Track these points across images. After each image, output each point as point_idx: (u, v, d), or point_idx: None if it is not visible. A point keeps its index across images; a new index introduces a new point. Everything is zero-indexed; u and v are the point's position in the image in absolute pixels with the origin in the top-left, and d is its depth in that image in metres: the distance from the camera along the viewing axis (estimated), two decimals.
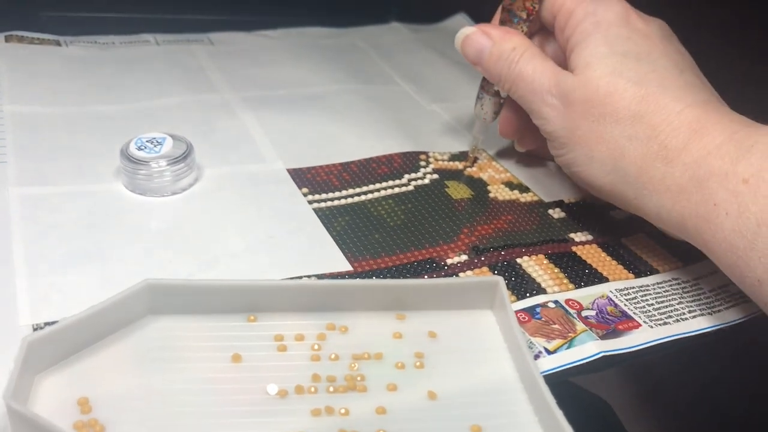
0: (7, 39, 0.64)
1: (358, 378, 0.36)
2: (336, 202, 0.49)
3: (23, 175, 0.48)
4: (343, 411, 0.34)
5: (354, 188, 0.51)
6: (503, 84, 0.49)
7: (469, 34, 0.49)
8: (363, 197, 0.50)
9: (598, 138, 0.43)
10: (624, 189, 0.43)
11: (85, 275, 0.41)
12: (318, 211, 0.48)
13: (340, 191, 0.51)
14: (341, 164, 0.54)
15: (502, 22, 0.50)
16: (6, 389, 0.30)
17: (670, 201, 0.41)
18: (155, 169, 0.47)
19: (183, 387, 0.34)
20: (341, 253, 0.45)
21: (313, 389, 0.35)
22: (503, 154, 0.57)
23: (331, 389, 0.35)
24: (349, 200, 0.50)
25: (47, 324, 0.37)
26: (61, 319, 0.35)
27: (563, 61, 0.47)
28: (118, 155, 0.48)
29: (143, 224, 0.45)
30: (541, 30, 0.52)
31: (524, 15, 0.49)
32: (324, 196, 0.50)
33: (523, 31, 0.50)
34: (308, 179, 0.51)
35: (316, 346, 0.37)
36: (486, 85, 0.52)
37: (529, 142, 0.54)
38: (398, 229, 0.48)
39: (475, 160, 0.55)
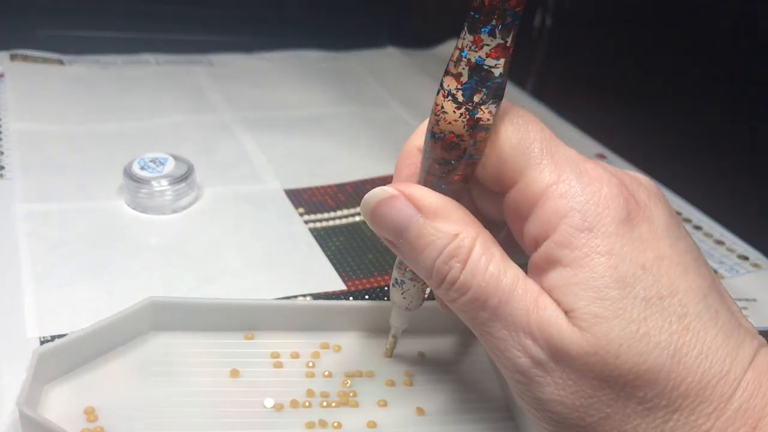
0: (12, 58, 0.66)
1: (351, 394, 0.38)
2: (331, 222, 0.51)
3: (29, 191, 0.50)
4: (336, 424, 0.36)
5: (349, 209, 0.53)
6: (442, 292, 0.30)
7: (387, 199, 0.31)
8: (357, 218, 0.52)
9: (616, 429, 0.28)
10: None
11: (90, 290, 0.42)
12: (314, 231, 0.50)
13: (335, 211, 0.53)
14: (336, 185, 0.56)
15: (427, 180, 0.31)
16: (19, 397, 0.32)
17: None
18: (157, 188, 0.49)
19: (184, 399, 0.36)
20: (335, 272, 0.47)
21: (307, 404, 0.37)
22: None
23: (325, 404, 0.37)
24: (344, 221, 0.52)
25: (54, 337, 0.39)
26: (67, 332, 0.37)
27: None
28: (120, 173, 0.50)
29: (144, 241, 0.47)
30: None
31: (454, 180, 0.31)
32: (319, 216, 0.52)
33: (456, 195, 0.31)
34: (304, 199, 0.53)
35: (310, 364, 0.39)
36: (403, 266, 0.36)
37: None
38: (391, 250, 0.49)
39: (391, 351, 0.41)
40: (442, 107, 0.29)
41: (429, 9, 0.93)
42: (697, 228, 0.57)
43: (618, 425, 0.28)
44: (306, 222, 0.51)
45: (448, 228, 0.30)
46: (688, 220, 0.57)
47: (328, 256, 0.48)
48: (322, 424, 0.36)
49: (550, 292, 0.28)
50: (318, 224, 0.51)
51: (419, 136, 0.33)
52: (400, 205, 0.30)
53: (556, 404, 0.28)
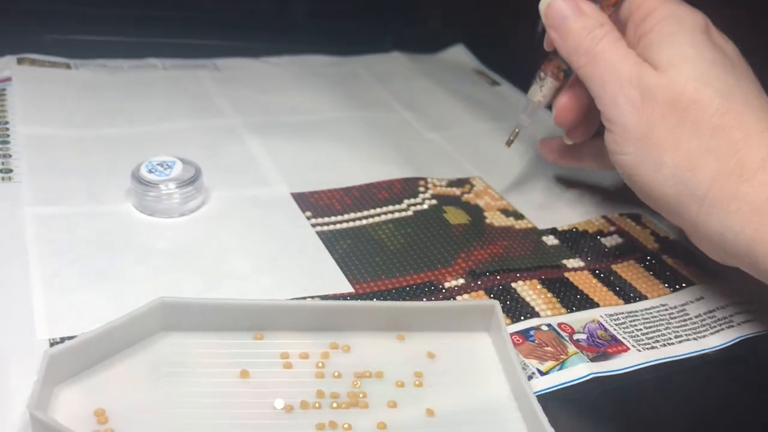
0: (20, 61, 0.66)
1: (360, 395, 0.38)
2: (338, 226, 0.51)
3: (37, 194, 0.50)
4: (346, 426, 0.36)
5: (355, 212, 0.53)
6: (580, 58, 0.45)
7: (558, 0, 0.47)
8: (364, 221, 0.52)
9: (673, 144, 0.41)
10: (689, 203, 0.42)
11: (98, 293, 0.42)
12: (321, 234, 0.50)
13: (342, 215, 0.53)
14: (343, 189, 0.56)
15: None
16: (30, 399, 0.32)
17: (740, 222, 0.39)
18: (164, 191, 0.49)
19: (194, 401, 0.36)
20: (343, 275, 0.47)
21: (317, 405, 0.37)
22: (499, 181, 0.59)
23: (335, 405, 0.37)
24: (351, 224, 0.52)
25: (63, 339, 0.39)
26: (76, 335, 0.37)
27: None
28: (127, 177, 0.50)
29: (152, 244, 0.47)
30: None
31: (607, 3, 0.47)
32: (327, 219, 0.52)
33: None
34: (311, 203, 0.53)
35: (320, 364, 0.39)
36: (549, 65, 0.50)
37: (582, 134, 0.52)
38: (398, 252, 0.49)
39: (511, 142, 0.54)
40: None
41: (432, 14, 0.94)
42: None
43: (672, 142, 0.41)
44: (313, 225, 0.51)
45: (595, 20, 0.45)
46: None
47: (336, 260, 0.48)
48: (333, 425, 0.36)
49: (645, 53, 0.44)
50: (325, 228, 0.51)
51: None
52: (565, 3, 0.46)
53: (634, 126, 0.43)
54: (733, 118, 0.40)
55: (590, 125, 0.51)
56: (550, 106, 0.51)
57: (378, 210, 0.54)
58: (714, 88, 0.41)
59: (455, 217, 0.54)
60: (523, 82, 0.79)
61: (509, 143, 0.54)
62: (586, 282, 0.49)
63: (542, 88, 0.50)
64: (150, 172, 0.50)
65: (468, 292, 0.46)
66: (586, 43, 0.45)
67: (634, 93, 0.43)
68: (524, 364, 0.41)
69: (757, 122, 0.40)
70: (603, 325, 0.45)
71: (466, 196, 0.57)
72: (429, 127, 0.67)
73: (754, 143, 0.39)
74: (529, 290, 0.47)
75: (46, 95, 0.62)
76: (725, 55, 0.43)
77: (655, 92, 0.42)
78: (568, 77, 0.50)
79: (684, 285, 0.49)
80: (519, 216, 0.55)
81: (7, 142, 0.55)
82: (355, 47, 0.82)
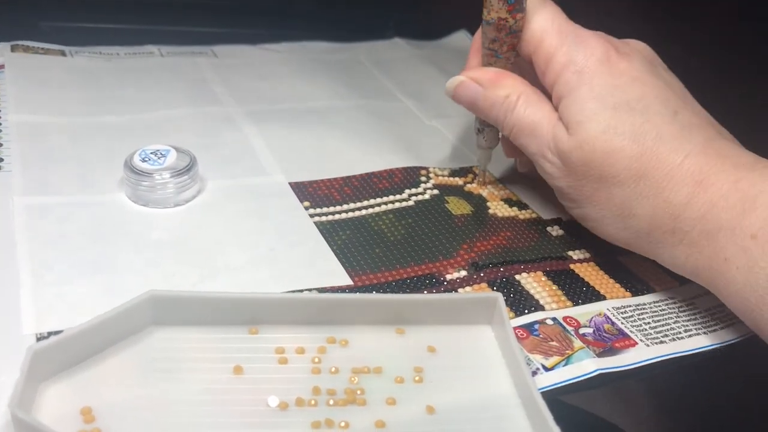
0: (13, 48, 0.65)
1: (358, 391, 0.36)
2: (337, 216, 0.50)
3: (28, 184, 0.48)
4: (343, 424, 0.34)
5: (355, 202, 0.52)
6: (503, 129, 0.48)
7: (460, 84, 0.49)
8: (364, 212, 0.51)
9: (605, 198, 0.43)
10: (639, 243, 0.44)
11: (89, 285, 0.41)
12: (319, 225, 0.49)
13: (341, 205, 0.51)
14: (342, 178, 0.54)
15: (487, 63, 0.49)
16: (12, 398, 0.30)
17: (683, 254, 0.41)
18: (158, 180, 0.48)
19: (185, 398, 0.34)
20: (342, 267, 0.45)
21: (313, 402, 0.35)
22: (503, 171, 0.58)
23: (331, 402, 0.35)
24: (350, 214, 0.50)
25: (51, 333, 0.37)
26: (64, 329, 0.36)
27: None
28: (121, 166, 0.49)
29: (146, 235, 0.46)
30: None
31: (505, 50, 0.48)
32: (325, 209, 0.50)
33: (509, 63, 0.49)
34: (310, 193, 0.52)
35: (316, 359, 0.38)
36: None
37: (530, 164, 0.52)
38: (398, 243, 0.48)
39: (485, 182, 0.56)
40: (490, 2, 0.46)
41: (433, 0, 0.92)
42: None
43: (604, 196, 0.43)
44: (312, 216, 0.50)
45: (500, 92, 0.47)
46: None
47: (334, 251, 0.47)
48: (329, 423, 0.34)
49: (558, 107, 0.44)
50: (324, 218, 0.50)
51: (478, 37, 0.50)
52: (468, 85, 0.48)
53: (564, 187, 0.45)
54: (648, 159, 0.41)
55: None
56: None
57: (378, 200, 0.52)
58: (622, 135, 0.42)
59: (457, 207, 0.53)
60: None
61: (481, 184, 0.56)
62: (592, 274, 0.47)
63: (485, 138, 0.52)
64: (143, 161, 0.48)
65: (470, 285, 0.45)
66: (501, 116, 0.47)
67: (554, 159, 0.45)
68: (528, 359, 0.40)
69: (674, 155, 0.41)
70: (610, 319, 0.44)
71: (468, 185, 0.55)
72: (431, 115, 0.66)
73: (677, 180, 0.40)
74: (533, 282, 0.46)
75: (40, 83, 0.61)
76: (630, 87, 0.43)
77: (571, 156, 0.43)
78: None
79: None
80: (523, 206, 0.54)
81: None
82: (356, 34, 0.81)
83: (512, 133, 0.47)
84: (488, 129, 0.51)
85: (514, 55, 0.48)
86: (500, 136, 0.52)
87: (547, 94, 0.47)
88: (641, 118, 0.42)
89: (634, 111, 0.42)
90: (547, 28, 0.45)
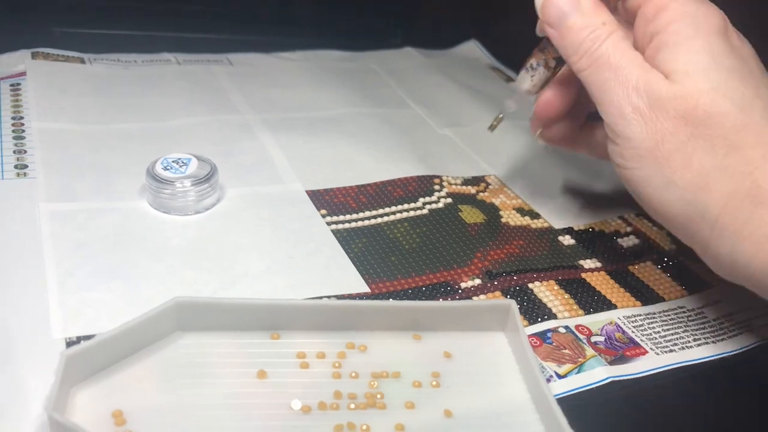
0: (34, 56, 0.66)
1: (378, 396, 0.37)
2: (353, 224, 0.51)
3: (52, 191, 0.50)
4: (364, 427, 0.35)
5: (370, 210, 0.53)
6: (581, 61, 0.42)
7: None
8: (379, 219, 0.52)
9: (684, 162, 0.38)
10: (699, 225, 0.39)
11: (113, 292, 0.42)
12: (336, 233, 0.50)
13: (357, 213, 0.52)
14: (357, 186, 0.55)
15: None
16: (47, 401, 0.32)
17: (752, 248, 0.37)
18: (179, 189, 0.49)
19: (212, 402, 0.35)
20: (359, 274, 0.46)
21: (335, 405, 0.36)
22: (514, 180, 0.59)
23: (352, 406, 0.37)
24: (366, 222, 0.52)
25: (79, 338, 0.38)
26: (92, 334, 0.37)
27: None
28: (141, 173, 0.50)
29: (167, 242, 0.47)
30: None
31: None
32: (342, 217, 0.52)
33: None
34: (326, 201, 0.53)
35: (336, 364, 0.39)
36: (542, 54, 0.47)
37: (559, 132, 0.50)
38: (413, 252, 0.49)
39: (494, 128, 0.51)
40: None
41: (440, 10, 0.93)
42: None
43: (681, 159, 0.38)
44: (328, 224, 0.51)
45: (597, 18, 0.42)
46: None
47: (351, 259, 0.48)
48: (351, 426, 0.35)
49: (654, 58, 0.40)
50: (340, 226, 0.51)
51: None
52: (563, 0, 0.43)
53: (642, 140, 0.39)
54: (750, 134, 0.37)
55: (570, 124, 0.49)
56: None
57: (393, 208, 0.53)
58: (731, 100, 0.38)
59: (471, 215, 0.54)
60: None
61: (492, 128, 0.51)
62: (603, 283, 0.48)
63: (533, 77, 0.47)
64: (165, 169, 0.49)
65: (485, 293, 0.46)
66: (587, 44, 0.41)
67: (641, 103, 0.39)
68: (541, 366, 0.41)
69: None
70: (621, 328, 0.45)
71: (481, 194, 0.57)
72: (443, 124, 0.67)
73: None
74: (546, 291, 0.47)
75: (61, 90, 0.62)
76: (743, 61, 0.40)
77: (666, 103, 0.38)
78: (561, 66, 0.47)
79: (701, 287, 0.49)
80: (535, 215, 0.55)
81: (22, 138, 0.55)
82: (365, 43, 0.82)
83: (593, 67, 0.41)
84: (544, 69, 0.47)
85: (616, 2, 0.45)
86: (545, 85, 0.48)
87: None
88: (752, 91, 0.38)
89: (746, 82, 0.38)
90: None
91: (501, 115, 0.50)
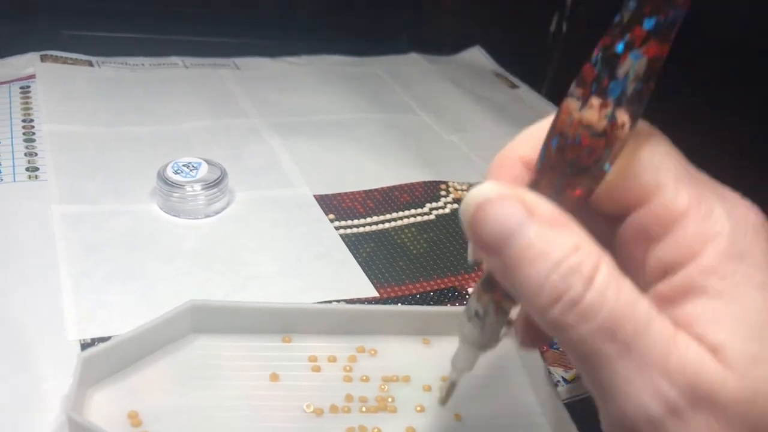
0: (43, 58, 0.67)
1: (389, 399, 0.38)
2: (361, 229, 0.52)
3: (63, 193, 0.50)
4: (375, 430, 0.36)
5: (378, 215, 0.53)
6: (550, 316, 0.24)
7: (487, 201, 0.25)
8: (387, 225, 0.53)
9: None
10: None
11: (126, 293, 0.43)
12: (344, 237, 0.50)
13: (364, 218, 0.53)
14: (365, 191, 0.56)
15: (535, 187, 0.26)
16: (66, 402, 0.32)
17: None
18: (190, 192, 0.49)
19: (226, 404, 0.36)
20: (367, 279, 0.47)
21: (346, 408, 0.37)
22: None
23: (364, 409, 0.37)
24: (374, 227, 0.52)
25: (94, 339, 0.39)
26: (106, 335, 0.38)
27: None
28: (151, 176, 0.50)
29: (178, 245, 0.48)
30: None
31: (579, 192, 0.26)
32: (350, 222, 0.52)
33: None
34: (334, 205, 0.54)
35: (347, 368, 0.39)
36: (489, 294, 0.28)
37: (544, 341, 0.37)
38: (421, 257, 0.50)
39: (445, 399, 0.33)
40: (579, 110, 0.25)
41: (445, 16, 0.94)
42: None
43: None
44: (337, 228, 0.51)
45: (567, 238, 0.24)
46: None
47: (360, 263, 0.48)
48: (362, 429, 0.36)
49: (688, 327, 0.24)
50: (348, 230, 0.51)
51: (522, 145, 0.28)
52: (511, 206, 0.25)
53: None
54: None
55: None
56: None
57: (400, 213, 0.54)
58: None
59: None
60: (535, 79, 0.80)
61: (442, 401, 0.33)
62: None
63: (482, 328, 0.29)
64: (176, 173, 0.50)
65: None
66: (558, 286, 0.24)
67: (678, 397, 0.23)
68: (549, 371, 0.41)
69: None
70: None
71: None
72: (449, 130, 0.67)
73: None
74: None
75: (70, 93, 0.63)
76: None
77: (725, 404, 0.23)
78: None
79: None
80: None
81: (33, 140, 0.55)
82: (370, 47, 0.82)
83: (583, 330, 0.24)
84: (495, 316, 0.29)
85: (580, 206, 0.26)
86: (506, 331, 0.30)
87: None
88: None
89: None
90: (664, 166, 0.26)
91: (451, 383, 0.33)
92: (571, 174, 0.25)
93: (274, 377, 0.38)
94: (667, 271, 0.25)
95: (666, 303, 0.25)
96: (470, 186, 0.57)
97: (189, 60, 0.73)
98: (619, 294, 0.24)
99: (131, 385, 0.36)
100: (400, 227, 0.53)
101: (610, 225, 0.27)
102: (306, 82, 0.73)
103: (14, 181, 0.50)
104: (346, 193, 0.55)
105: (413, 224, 0.53)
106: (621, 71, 0.24)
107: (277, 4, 0.88)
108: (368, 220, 0.53)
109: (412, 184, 0.57)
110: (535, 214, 0.24)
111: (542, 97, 0.78)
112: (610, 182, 0.26)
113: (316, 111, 0.67)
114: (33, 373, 0.37)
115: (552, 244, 0.24)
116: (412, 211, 0.54)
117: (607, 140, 0.25)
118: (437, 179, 0.58)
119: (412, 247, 0.51)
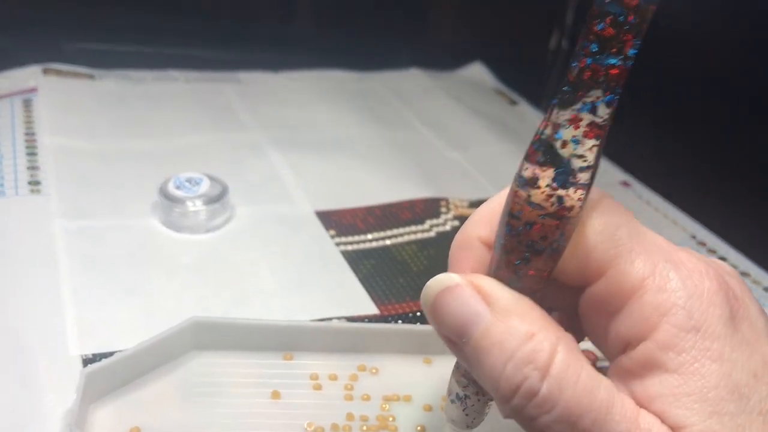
0: (45, 72, 0.67)
1: (390, 418, 0.38)
2: (362, 245, 0.52)
3: (64, 207, 0.50)
4: None
5: (378, 232, 0.53)
6: (512, 407, 0.25)
7: (447, 289, 0.26)
8: (387, 241, 0.53)
9: None
10: None
11: (127, 309, 0.43)
12: (345, 254, 0.50)
13: (365, 234, 0.53)
14: (366, 208, 0.56)
15: (496, 270, 0.27)
16: (69, 417, 0.32)
17: None
18: (191, 208, 0.49)
19: (227, 421, 0.36)
20: (368, 295, 0.47)
21: (347, 428, 0.37)
22: None
23: (365, 428, 0.37)
24: (374, 244, 0.52)
25: (95, 355, 0.39)
26: (106, 350, 0.38)
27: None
28: (152, 191, 0.51)
29: (179, 260, 0.48)
30: None
31: (534, 272, 0.26)
32: (350, 238, 0.52)
33: (534, 295, 0.27)
34: (335, 221, 0.54)
35: (348, 386, 0.39)
36: (467, 376, 0.30)
37: None
38: (421, 274, 0.50)
39: None
40: (528, 195, 0.25)
41: (446, 31, 0.94)
42: (744, 274, 0.55)
43: None
44: (337, 244, 0.51)
45: (521, 327, 0.25)
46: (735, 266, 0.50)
47: (360, 280, 0.48)
48: None
49: (648, 404, 0.24)
50: (349, 247, 0.51)
51: (480, 226, 0.29)
52: (467, 296, 0.26)
53: None
54: None
55: None
56: None
57: (401, 230, 0.54)
58: None
59: None
60: (535, 96, 0.80)
61: None
62: None
63: (465, 410, 0.30)
64: (177, 188, 0.50)
65: None
66: (515, 375, 0.24)
67: None
68: None
69: None
70: None
71: None
72: (449, 146, 0.68)
73: None
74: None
75: (71, 106, 0.63)
76: (750, 355, 0.25)
77: None
78: None
79: None
80: None
81: (35, 154, 0.55)
82: (371, 63, 0.83)
83: (543, 421, 0.24)
84: (476, 397, 0.30)
85: (539, 286, 0.27)
86: (489, 408, 0.31)
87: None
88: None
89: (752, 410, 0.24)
90: (618, 239, 0.26)
91: None
92: (529, 256, 0.26)
93: (276, 395, 0.38)
94: (627, 344, 0.25)
95: (628, 377, 0.25)
96: (471, 203, 0.58)
97: (191, 74, 0.73)
98: (577, 382, 0.24)
99: (132, 401, 0.36)
100: (400, 244, 0.53)
101: (576, 294, 0.27)
102: (306, 97, 0.73)
103: (17, 194, 0.51)
104: (347, 209, 0.55)
105: (414, 241, 0.53)
106: (563, 155, 0.24)
107: (279, 19, 0.88)
108: (369, 236, 0.53)
109: (412, 200, 0.58)
110: (491, 303, 0.25)
111: (542, 113, 0.78)
112: (565, 257, 0.26)
113: (318, 126, 0.67)
114: (35, 387, 0.37)
115: (507, 333, 0.25)
116: (413, 228, 0.54)
117: (559, 222, 0.25)
118: (438, 196, 0.59)
119: (412, 264, 0.51)
